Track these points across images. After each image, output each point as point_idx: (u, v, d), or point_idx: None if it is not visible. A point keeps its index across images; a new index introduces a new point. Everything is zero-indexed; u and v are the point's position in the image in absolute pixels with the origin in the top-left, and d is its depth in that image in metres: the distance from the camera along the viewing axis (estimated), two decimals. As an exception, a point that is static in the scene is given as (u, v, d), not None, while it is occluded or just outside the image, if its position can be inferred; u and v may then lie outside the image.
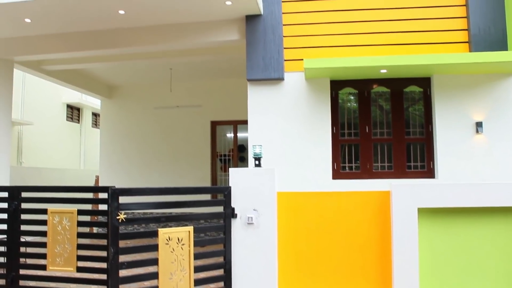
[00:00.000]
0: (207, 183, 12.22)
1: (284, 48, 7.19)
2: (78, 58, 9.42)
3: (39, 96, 15.72)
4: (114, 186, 5.54)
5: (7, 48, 8.53)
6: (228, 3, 6.82)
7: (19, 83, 14.31)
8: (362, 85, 7.27)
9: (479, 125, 6.72)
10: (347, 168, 7.21)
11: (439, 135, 6.84)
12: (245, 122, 11.63)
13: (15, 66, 9.28)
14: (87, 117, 18.84)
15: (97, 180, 13.85)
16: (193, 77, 12.12)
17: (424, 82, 7.15)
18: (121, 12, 7.17)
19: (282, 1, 7.33)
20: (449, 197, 6.21)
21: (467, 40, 6.95)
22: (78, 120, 18.38)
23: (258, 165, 6.46)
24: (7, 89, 8.84)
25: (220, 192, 6.46)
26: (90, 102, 17.93)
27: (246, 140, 12.16)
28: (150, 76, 12.08)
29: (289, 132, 7.07)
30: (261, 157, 6.47)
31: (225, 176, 12.38)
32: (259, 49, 7.18)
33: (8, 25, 7.79)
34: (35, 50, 8.42)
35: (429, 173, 7.01)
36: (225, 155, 12.50)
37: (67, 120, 17.52)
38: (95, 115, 19.32)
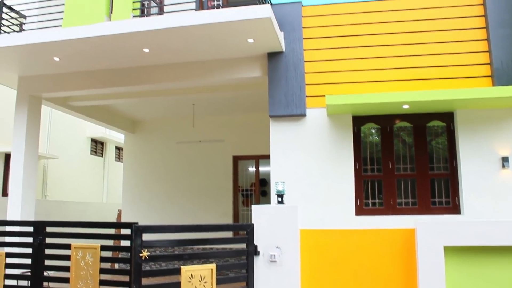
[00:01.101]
0: (229, 218, 12.16)
1: (306, 84, 7.26)
2: (104, 94, 9.62)
3: (65, 131, 16.06)
4: (137, 223, 5.56)
5: (36, 85, 8.78)
6: (250, 41, 6.95)
7: (46, 118, 14.66)
8: (384, 121, 7.25)
9: (505, 160, 6.60)
10: (370, 204, 7.13)
11: (464, 170, 6.74)
12: (267, 157, 11.62)
13: (43, 102, 9.52)
14: (110, 151, 19.11)
15: (119, 214, 13.92)
16: (215, 112, 12.24)
17: (447, 117, 7.10)
18: (146, 50, 7.36)
19: (304, 38, 7.43)
20: (476, 235, 6.05)
21: (489, 74, 6.90)
22: (102, 154, 18.65)
23: (281, 202, 6.44)
24: (35, 125, 9.04)
25: (243, 230, 6.43)
26: (114, 136, 18.22)
27: (268, 173, 12.13)
28: (173, 111, 12.24)
29: (311, 168, 7.05)
30: (283, 194, 6.45)
31: (247, 211, 12.31)
32: (281, 85, 7.25)
33: (38, 63, 8.06)
34: (62, 88, 8.64)
35: (455, 209, 6.88)
36: (247, 190, 12.47)
37: (91, 153, 17.80)
38: (119, 149, 19.59)
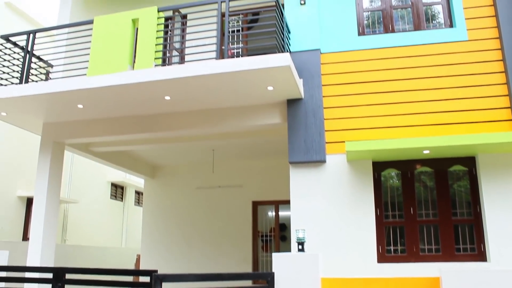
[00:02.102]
0: (248, 263, 12.00)
1: (326, 130, 7.28)
2: (125, 140, 9.76)
3: (86, 175, 16.25)
4: (157, 270, 5.52)
5: (60, 132, 8.97)
6: (270, 88, 7.04)
7: (68, 163, 14.89)
8: (405, 166, 7.19)
9: (531, 205, 6.45)
10: (392, 251, 6.99)
11: (488, 216, 6.58)
12: (286, 202, 11.57)
13: (66, 148, 9.69)
14: (130, 196, 19.22)
15: (138, 259, 13.84)
16: (234, 158, 12.30)
17: (469, 162, 7.02)
18: (167, 98, 7.50)
19: (323, 85, 7.52)
20: (506, 284, 5.83)
21: (510, 118, 6.85)
22: (122, 198, 18.76)
23: (302, 250, 6.35)
24: (58, 170, 9.18)
25: (263, 278, 6.32)
26: (134, 180, 18.36)
27: (287, 218, 12.02)
28: (193, 157, 12.34)
29: (332, 215, 6.97)
30: (304, 241, 6.38)
31: (266, 257, 12.14)
32: (300, 132, 7.29)
33: (63, 110, 8.26)
34: (85, 134, 8.81)
35: (480, 256, 6.69)
36: (266, 235, 12.34)
37: (111, 198, 17.92)
38: (138, 193, 19.69)
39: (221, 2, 7.02)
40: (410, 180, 7.17)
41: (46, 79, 9.09)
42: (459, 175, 7.13)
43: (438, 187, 7.07)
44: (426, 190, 7.15)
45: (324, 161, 7.14)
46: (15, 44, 8.40)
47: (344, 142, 6.99)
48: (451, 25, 7.65)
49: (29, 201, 13.80)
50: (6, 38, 8.34)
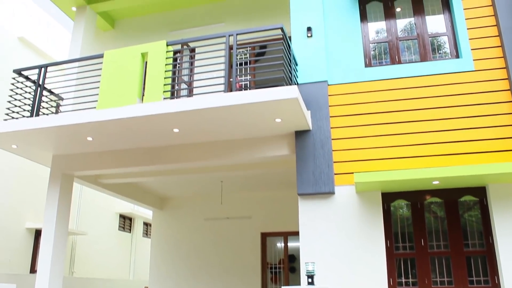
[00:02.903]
0: (257, 296, 11.84)
1: (334, 162, 7.27)
2: (133, 172, 9.80)
3: (94, 207, 16.26)
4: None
5: (69, 164, 9.03)
6: (278, 120, 7.08)
7: (76, 194, 14.93)
8: (414, 197, 7.14)
9: (545, 236, 6.35)
10: (404, 283, 6.87)
11: (501, 247, 6.47)
12: (295, 233, 11.49)
13: (75, 180, 9.74)
14: (138, 227, 19.17)
15: (145, 292, 13.70)
16: (243, 189, 12.28)
17: (479, 192, 6.96)
18: (176, 130, 7.55)
19: (330, 116, 7.55)
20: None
21: (520, 147, 6.81)
22: (130, 230, 18.70)
23: (311, 283, 6.25)
24: (67, 202, 9.20)
25: (272, 313, 6.23)
26: (142, 212, 18.34)
27: (296, 249, 11.90)
28: (201, 188, 12.34)
29: (342, 247, 6.89)
30: (314, 274, 6.28)
31: (275, 290, 11.99)
32: (309, 163, 7.28)
33: (72, 143, 8.33)
34: (94, 166, 8.86)
35: (494, 288, 6.56)
36: (275, 266, 12.20)
37: (119, 229, 17.88)
38: (146, 224, 19.64)
39: (229, 35, 7.14)
40: (420, 211, 7.11)
41: (56, 112, 9.21)
42: (470, 205, 7.06)
43: (448, 217, 6.99)
44: (437, 221, 7.07)
45: (333, 193, 7.10)
46: (27, 78, 8.56)
47: (353, 173, 6.97)
48: (457, 56, 7.70)
49: (37, 233, 13.79)
50: (19, 72, 8.51)
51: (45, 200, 13.72)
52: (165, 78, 7.36)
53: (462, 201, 7.04)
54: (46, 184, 14.02)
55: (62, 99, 9.32)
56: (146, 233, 19.66)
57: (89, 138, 8.05)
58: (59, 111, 9.29)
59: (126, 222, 18.41)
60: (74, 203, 14.87)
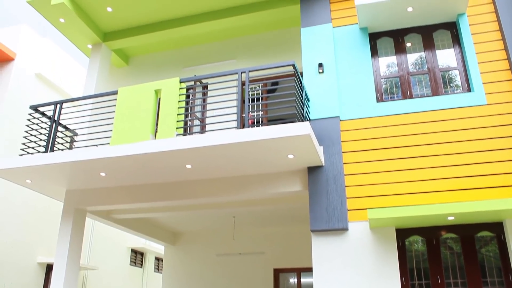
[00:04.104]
0: (269, 334, 11.59)
1: (347, 197, 7.21)
2: (146, 208, 9.80)
3: (106, 241, 16.22)
4: None
5: (82, 199, 9.06)
6: (291, 156, 7.07)
7: (88, 229, 14.93)
8: (429, 233, 7.02)
9: None
10: (421, 323, 6.69)
11: (521, 287, 6.31)
12: (309, 270, 11.31)
13: (87, 215, 9.75)
14: (150, 262, 19.04)
15: (156, 329, 13.48)
16: (256, 225, 12.19)
17: (496, 227, 6.82)
18: (188, 166, 7.58)
19: (343, 152, 7.53)
20: None
21: (536, 182, 6.70)
22: (141, 265, 18.57)
23: (325, 322, 6.13)
24: (79, 237, 9.18)
25: None
26: (154, 247, 18.26)
27: (310, 285, 11.68)
28: (213, 224, 12.27)
29: (355, 284, 6.76)
30: (328, 313, 6.16)
31: (288, 327, 11.73)
32: (322, 199, 7.22)
33: (86, 178, 8.38)
34: (107, 201, 8.87)
35: (515, 329, 6.35)
36: (288, 303, 11.98)
37: (130, 264, 17.76)
38: (158, 259, 19.51)
39: (241, 72, 7.23)
40: (435, 247, 6.97)
41: (71, 147, 9.31)
42: (487, 240, 6.91)
43: (465, 253, 6.84)
44: (453, 256, 6.92)
45: (346, 229, 7.02)
46: (43, 114, 8.70)
47: (366, 209, 6.90)
48: (469, 90, 7.70)
49: (49, 268, 13.76)
50: (35, 108, 8.65)
51: (57, 234, 13.75)
52: (178, 114, 7.43)
53: (479, 236, 6.91)
54: (58, 218, 14.08)
55: (76, 134, 9.44)
56: (158, 268, 19.50)
57: (103, 174, 8.10)
58: (73, 146, 9.39)
59: (137, 257, 18.31)
60: (86, 237, 14.86)
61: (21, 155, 8.21)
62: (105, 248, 16.20)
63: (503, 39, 7.73)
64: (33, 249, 13.46)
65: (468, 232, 6.91)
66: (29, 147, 8.55)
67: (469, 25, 8.09)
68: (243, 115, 7.12)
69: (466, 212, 6.29)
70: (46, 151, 8.14)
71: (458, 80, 7.94)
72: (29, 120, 8.61)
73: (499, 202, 6.20)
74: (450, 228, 6.98)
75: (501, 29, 7.81)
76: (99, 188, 9.00)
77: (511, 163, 6.89)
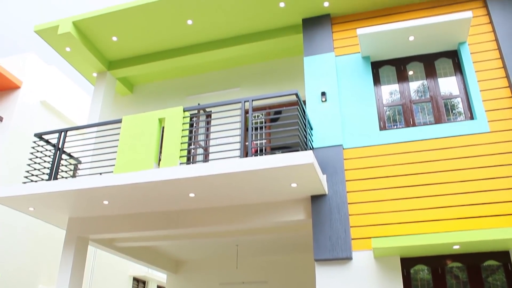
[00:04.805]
0: None
1: (351, 226, 7.16)
2: (149, 236, 9.74)
3: (107, 269, 16.07)
4: None
5: (85, 227, 9.03)
6: (294, 185, 7.06)
7: (90, 257, 14.82)
8: (434, 262, 6.94)
9: None
10: None
11: (529, 318, 6.19)
12: (312, 299, 11.15)
13: (89, 243, 9.69)
14: (152, 290, 18.83)
15: None
16: (259, 253, 12.08)
17: (503, 256, 6.73)
18: (191, 195, 7.56)
19: (346, 180, 7.51)
20: None
21: (542, 210, 6.65)
22: (143, 293, 18.37)
23: None
24: (81, 265, 9.11)
25: None
26: (156, 275, 18.08)
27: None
28: (216, 252, 12.17)
29: (361, 315, 6.66)
30: None
31: None
32: (325, 228, 7.18)
33: (89, 206, 8.37)
34: (110, 230, 8.83)
35: None
36: (292, 333, 11.77)
37: (132, 292, 17.56)
38: None
39: (245, 101, 7.28)
40: (441, 276, 6.87)
41: (74, 175, 9.33)
42: (493, 269, 6.81)
43: (471, 283, 6.73)
44: (459, 285, 6.81)
45: (350, 258, 6.95)
46: (47, 142, 8.75)
47: (370, 238, 6.84)
48: (472, 117, 7.72)
49: (50, 297, 13.60)
50: (40, 136, 8.71)
51: (59, 262, 13.65)
52: (181, 143, 7.46)
53: (485, 265, 6.82)
54: (60, 246, 14.01)
55: (80, 162, 9.47)
56: (160, 296, 19.29)
57: (105, 202, 8.09)
58: (77, 174, 9.40)
59: (139, 285, 18.11)
60: (88, 265, 14.74)
61: (24, 182, 8.23)
62: (107, 276, 16.04)
63: (504, 67, 7.78)
64: (34, 277, 13.34)
65: (474, 261, 6.82)
66: (32, 174, 8.57)
67: (470, 53, 8.16)
68: (247, 143, 7.14)
69: (471, 241, 6.23)
70: (49, 179, 8.16)
71: (460, 107, 7.97)
72: (33, 147, 8.66)
73: (505, 230, 6.16)
74: (456, 257, 6.90)
75: (502, 57, 7.88)
76: (102, 216, 8.98)
77: (515, 190, 6.85)
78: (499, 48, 7.99)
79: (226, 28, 9.89)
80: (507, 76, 7.68)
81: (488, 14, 8.37)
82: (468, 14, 7.67)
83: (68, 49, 10.32)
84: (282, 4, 9.05)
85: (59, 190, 7.54)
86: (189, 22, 9.64)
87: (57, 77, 15.31)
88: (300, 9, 9.22)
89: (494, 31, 8.17)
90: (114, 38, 10.21)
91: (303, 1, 8.98)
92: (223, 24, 9.77)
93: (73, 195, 7.80)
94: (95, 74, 11.29)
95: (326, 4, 8.96)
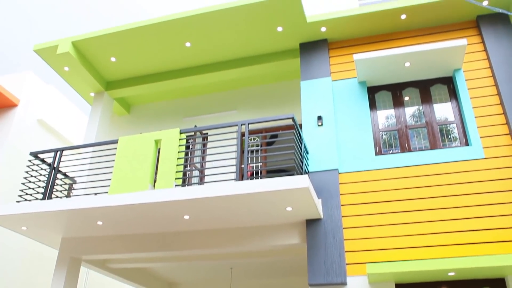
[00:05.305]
0: None
1: (346, 251, 7.13)
2: (142, 258, 9.66)
3: (100, 291, 15.85)
4: None
5: (78, 247, 8.94)
6: (289, 209, 7.05)
7: (82, 279, 14.64)
8: (430, 289, 6.90)
9: None
10: None
11: None
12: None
13: (82, 263, 9.58)
14: (144, 312, 18.54)
15: None
16: (253, 276, 11.98)
17: (499, 284, 6.71)
18: (186, 217, 7.53)
19: (342, 205, 7.51)
20: None
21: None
22: (135, 315, 18.08)
23: None
24: (72, 286, 8.99)
25: None
26: (149, 296, 17.81)
27: None
28: (210, 274, 12.07)
29: None
30: None
31: None
32: (320, 253, 7.14)
33: (82, 226, 8.30)
34: (103, 251, 8.74)
35: None
36: None
37: (124, 315, 17.28)
38: (152, 309, 19.00)
39: (241, 125, 7.30)
40: (436, 304, 6.84)
41: (68, 195, 9.28)
42: (491, 293, 6.78)
43: (468, 311, 6.70)
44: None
45: (345, 283, 6.89)
46: (43, 161, 8.72)
47: (365, 263, 6.80)
48: (467, 143, 7.77)
49: (41, 318, 13.38)
50: (35, 155, 8.68)
51: (50, 282, 13.47)
52: (177, 165, 7.46)
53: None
54: (52, 265, 13.84)
55: (75, 182, 9.42)
56: (152, 318, 18.99)
57: (99, 222, 8.03)
58: (71, 194, 9.35)
59: (132, 307, 17.88)
60: (80, 286, 14.55)
61: (18, 201, 8.18)
62: (99, 297, 15.83)
63: (499, 94, 7.86)
64: (25, 297, 13.14)
65: (469, 289, 6.79)
66: (27, 193, 8.53)
67: (465, 80, 8.25)
68: (242, 165, 7.15)
69: (467, 268, 6.21)
70: (44, 198, 8.12)
71: (455, 133, 8.02)
72: (28, 166, 8.63)
73: (501, 257, 6.14)
74: (451, 283, 6.86)
75: (496, 84, 7.96)
76: (95, 237, 8.90)
77: (510, 217, 6.84)
78: (493, 75, 8.08)
79: (224, 51, 9.98)
80: (502, 103, 7.76)
81: (483, 41, 8.49)
82: (463, 41, 7.78)
83: (66, 68, 10.37)
84: (280, 29, 9.16)
85: (53, 209, 7.50)
86: (188, 44, 9.73)
87: (55, 96, 15.34)
88: (298, 34, 9.33)
89: (488, 58, 8.28)
90: (113, 59, 10.28)
91: (301, 26, 9.09)
92: (221, 47, 9.86)
93: (67, 215, 7.75)
94: (92, 94, 11.33)
95: (323, 29, 9.07)
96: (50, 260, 13.84)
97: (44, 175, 8.40)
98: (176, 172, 7.39)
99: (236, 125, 7.36)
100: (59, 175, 8.89)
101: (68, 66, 10.25)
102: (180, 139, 7.68)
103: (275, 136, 9.31)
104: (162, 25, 9.25)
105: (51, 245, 9.79)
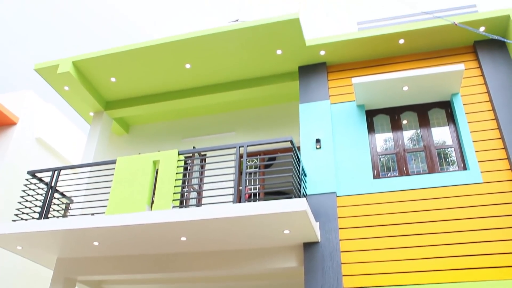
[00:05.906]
0: None
1: (343, 275, 7.07)
2: (138, 279, 9.56)
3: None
4: None
5: (73, 268, 8.84)
6: (286, 232, 7.02)
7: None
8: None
9: None
10: None
11: None
12: None
13: (77, 284, 9.47)
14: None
15: None
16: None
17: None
18: (183, 239, 7.49)
19: (339, 228, 7.47)
20: None
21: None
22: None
23: None
24: (66, 307, 8.90)
25: None
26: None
27: None
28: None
29: None
30: None
31: None
32: (317, 276, 7.08)
33: (78, 246, 8.24)
34: (99, 271, 8.66)
35: None
36: None
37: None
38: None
39: (240, 147, 7.32)
40: (435, 329, 6.75)
41: (65, 214, 9.23)
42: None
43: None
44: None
45: (342, 308, 6.84)
46: (40, 180, 8.70)
47: (363, 287, 6.74)
48: (465, 168, 7.78)
49: None
50: (33, 174, 8.66)
51: (44, 303, 13.28)
52: (175, 186, 7.44)
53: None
54: (47, 285, 13.68)
55: (72, 201, 9.38)
56: None
57: (96, 243, 7.98)
58: (68, 214, 9.30)
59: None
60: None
61: (14, 220, 8.13)
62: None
63: (496, 118, 7.91)
64: (18, 318, 12.96)
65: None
66: (23, 212, 8.48)
67: (463, 104, 8.31)
68: (240, 187, 7.14)
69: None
70: (40, 217, 8.07)
71: (453, 157, 8.04)
72: (25, 185, 8.59)
73: (498, 283, 6.11)
74: (451, 308, 6.80)
75: (493, 109, 8.01)
76: (91, 257, 8.82)
77: (508, 242, 6.81)
78: (490, 100, 8.13)
79: (224, 73, 10.04)
80: (499, 128, 7.79)
81: (480, 67, 8.56)
82: (460, 66, 7.86)
83: (66, 88, 10.41)
84: (279, 52, 9.24)
85: (49, 229, 7.46)
86: (187, 66, 9.79)
87: (54, 115, 15.35)
88: (297, 57, 9.41)
89: (485, 83, 8.34)
90: (113, 79, 10.34)
91: (300, 49, 9.18)
92: (220, 69, 9.93)
93: (64, 235, 7.71)
94: (91, 114, 11.35)
95: (322, 52, 9.16)
96: (46, 280, 13.68)
97: (41, 194, 8.36)
98: (174, 193, 7.37)
99: (235, 147, 7.38)
100: (56, 195, 8.83)
101: (68, 85, 10.29)
102: (178, 161, 7.68)
103: (273, 158, 9.30)
104: (163, 46, 9.32)
105: (46, 265, 9.70)
